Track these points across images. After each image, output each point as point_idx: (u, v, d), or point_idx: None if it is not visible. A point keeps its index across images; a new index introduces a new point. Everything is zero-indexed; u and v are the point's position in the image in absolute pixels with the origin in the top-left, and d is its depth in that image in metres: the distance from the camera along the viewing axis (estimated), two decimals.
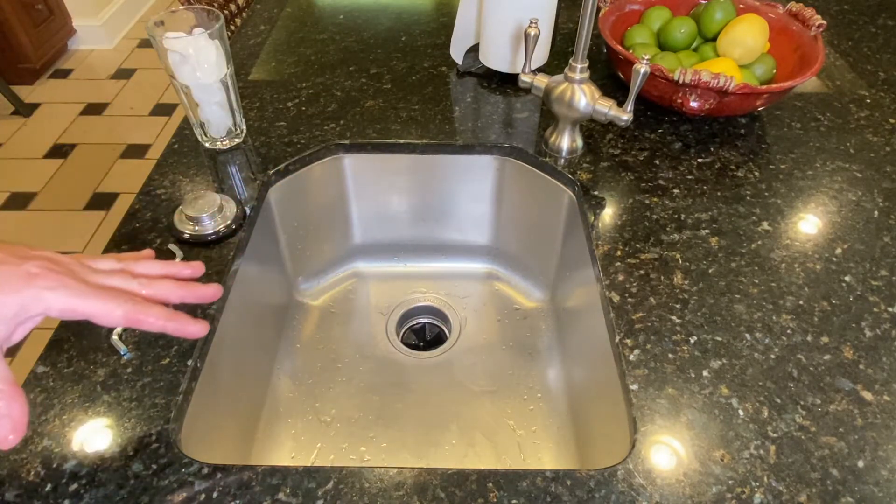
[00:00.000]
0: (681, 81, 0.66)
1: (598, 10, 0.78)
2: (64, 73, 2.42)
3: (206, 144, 0.70)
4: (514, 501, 0.41)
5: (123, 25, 2.68)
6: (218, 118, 0.68)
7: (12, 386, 0.33)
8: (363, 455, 0.66)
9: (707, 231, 0.60)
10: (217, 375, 0.54)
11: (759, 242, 0.59)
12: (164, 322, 0.37)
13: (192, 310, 0.53)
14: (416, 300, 0.82)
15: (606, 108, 0.63)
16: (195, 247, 0.59)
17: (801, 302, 0.54)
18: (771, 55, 0.76)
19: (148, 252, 0.44)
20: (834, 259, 0.58)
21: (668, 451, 0.44)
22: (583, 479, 0.42)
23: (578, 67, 0.63)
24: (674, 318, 0.52)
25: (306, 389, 0.71)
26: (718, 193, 0.65)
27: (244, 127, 0.72)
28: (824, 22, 0.73)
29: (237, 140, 0.71)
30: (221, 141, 0.70)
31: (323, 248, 0.81)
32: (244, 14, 1.36)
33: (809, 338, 0.51)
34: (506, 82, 0.82)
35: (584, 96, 0.64)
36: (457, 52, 0.84)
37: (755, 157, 0.70)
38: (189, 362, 0.49)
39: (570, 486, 0.42)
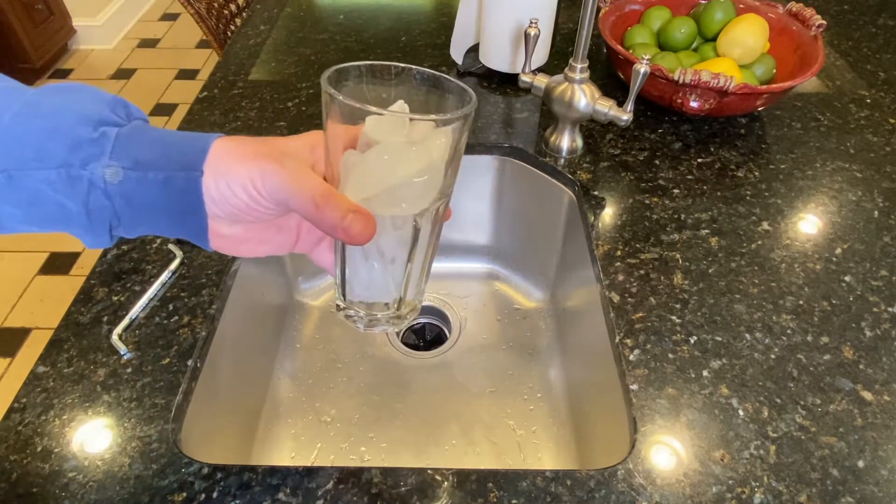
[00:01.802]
0: (681, 81, 0.66)
1: (598, 10, 0.78)
2: (64, 74, 2.42)
3: None
4: (514, 501, 0.41)
5: (123, 25, 2.68)
6: None
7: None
8: (363, 455, 0.66)
9: (707, 231, 0.60)
10: (217, 375, 0.54)
11: (759, 242, 0.59)
12: None
13: (193, 310, 0.53)
14: None
15: (606, 108, 0.63)
16: (195, 247, 0.59)
17: (801, 302, 0.54)
18: (771, 55, 0.76)
19: None
20: (834, 259, 0.58)
21: (668, 451, 0.44)
22: (583, 479, 0.42)
23: (578, 67, 0.63)
24: (674, 318, 0.52)
25: (306, 389, 0.71)
26: (718, 193, 0.65)
27: None
28: (824, 22, 0.73)
29: None
30: None
31: None
32: (244, 14, 1.36)
33: (809, 338, 0.51)
34: (506, 82, 0.82)
35: (584, 96, 0.64)
36: (457, 52, 0.84)
37: (755, 157, 0.70)
38: (189, 362, 0.49)
39: (570, 486, 0.42)
